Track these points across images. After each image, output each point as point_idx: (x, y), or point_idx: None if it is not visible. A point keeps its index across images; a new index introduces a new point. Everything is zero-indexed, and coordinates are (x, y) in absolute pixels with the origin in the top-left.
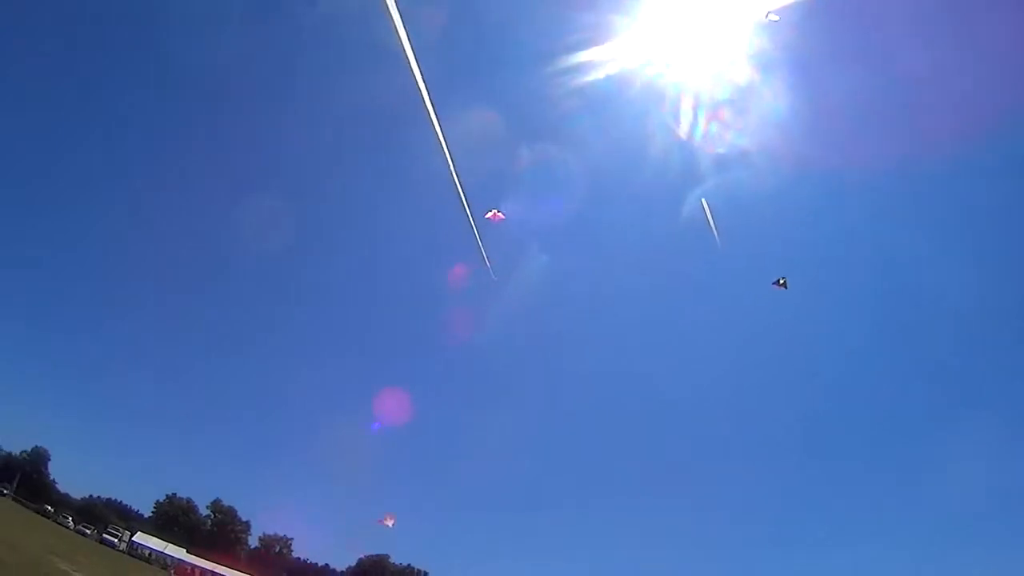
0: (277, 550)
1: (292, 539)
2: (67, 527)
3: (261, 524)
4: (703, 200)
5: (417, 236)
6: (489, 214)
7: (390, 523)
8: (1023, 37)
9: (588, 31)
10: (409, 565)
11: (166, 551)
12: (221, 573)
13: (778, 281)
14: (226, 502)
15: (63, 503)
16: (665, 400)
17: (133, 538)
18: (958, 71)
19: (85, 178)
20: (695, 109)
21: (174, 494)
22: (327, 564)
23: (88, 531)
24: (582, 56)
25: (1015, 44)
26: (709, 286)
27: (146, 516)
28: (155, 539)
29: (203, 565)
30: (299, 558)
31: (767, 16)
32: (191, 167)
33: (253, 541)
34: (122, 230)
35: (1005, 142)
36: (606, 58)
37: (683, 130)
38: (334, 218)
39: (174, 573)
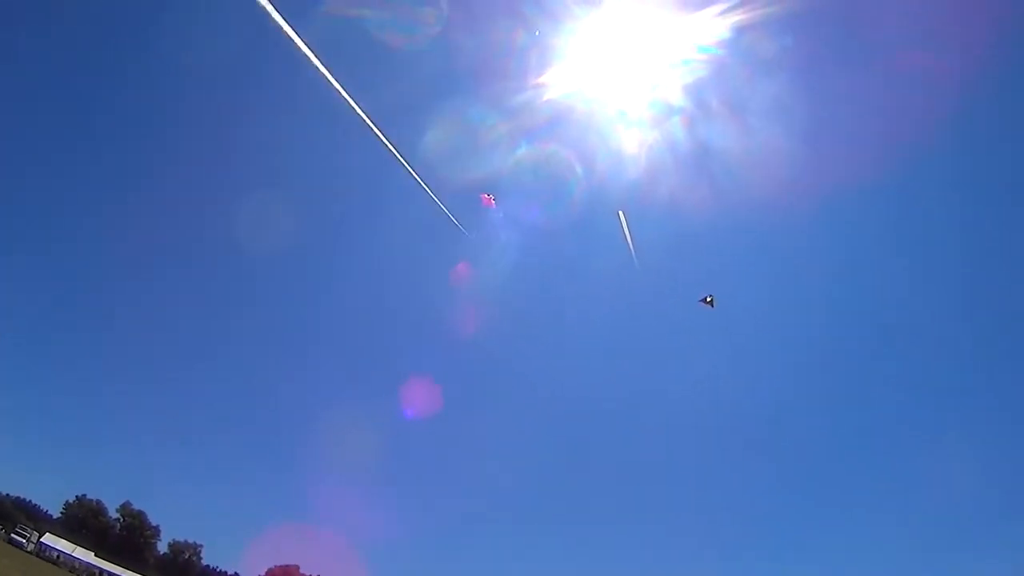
0: (187, 556)
1: (202, 546)
2: None
3: (171, 529)
4: (620, 213)
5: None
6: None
7: None
8: None
9: (525, 57)
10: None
11: (74, 554)
12: None
13: (705, 299)
14: (136, 505)
15: None
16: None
17: (41, 539)
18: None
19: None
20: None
21: (83, 495)
22: (236, 573)
23: None
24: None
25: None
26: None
27: (55, 517)
28: (64, 541)
29: (111, 570)
30: (208, 565)
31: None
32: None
33: (163, 546)
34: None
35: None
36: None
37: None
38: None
39: None
